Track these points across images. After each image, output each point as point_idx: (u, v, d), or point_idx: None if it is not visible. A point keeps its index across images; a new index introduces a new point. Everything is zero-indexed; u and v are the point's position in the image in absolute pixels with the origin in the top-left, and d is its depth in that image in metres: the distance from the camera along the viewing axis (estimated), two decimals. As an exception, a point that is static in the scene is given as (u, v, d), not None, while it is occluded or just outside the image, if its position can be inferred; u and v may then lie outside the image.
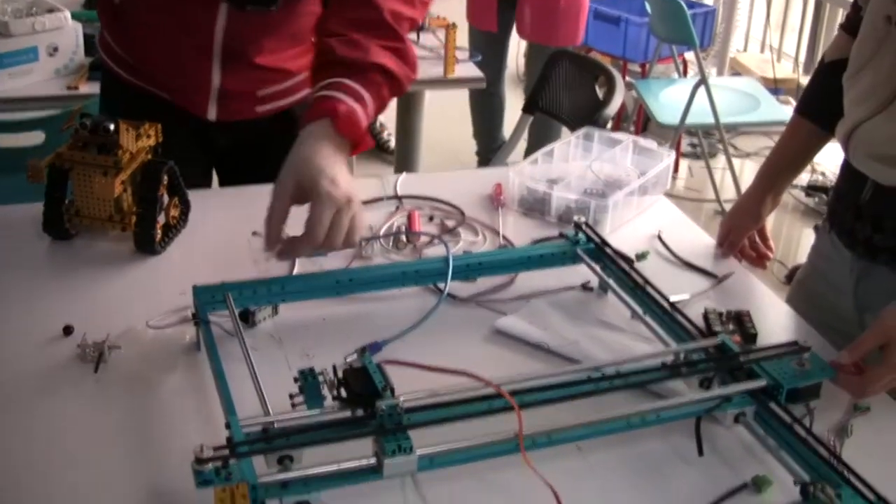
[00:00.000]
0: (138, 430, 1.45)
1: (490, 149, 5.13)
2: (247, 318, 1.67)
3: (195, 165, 2.23)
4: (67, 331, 1.63)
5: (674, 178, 5.46)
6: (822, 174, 5.42)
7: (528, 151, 4.41)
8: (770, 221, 2.14)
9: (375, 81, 1.79)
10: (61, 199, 1.87)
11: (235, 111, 2.20)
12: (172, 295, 1.72)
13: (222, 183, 2.42)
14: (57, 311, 1.68)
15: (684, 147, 5.72)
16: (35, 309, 1.69)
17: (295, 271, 1.83)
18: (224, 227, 1.95)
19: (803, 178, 5.44)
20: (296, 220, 1.66)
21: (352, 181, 1.68)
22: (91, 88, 3.12)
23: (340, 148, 1.71)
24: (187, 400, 1.52)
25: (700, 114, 4.69)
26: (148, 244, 1.86)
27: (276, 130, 2.18)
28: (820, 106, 1.99)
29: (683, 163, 5.67)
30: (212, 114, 2.17)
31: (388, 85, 1.81)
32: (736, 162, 5.26)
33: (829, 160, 5.33)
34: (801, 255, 4.35)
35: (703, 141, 5.28)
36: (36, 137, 2.86)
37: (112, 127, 1.81)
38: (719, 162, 5.61)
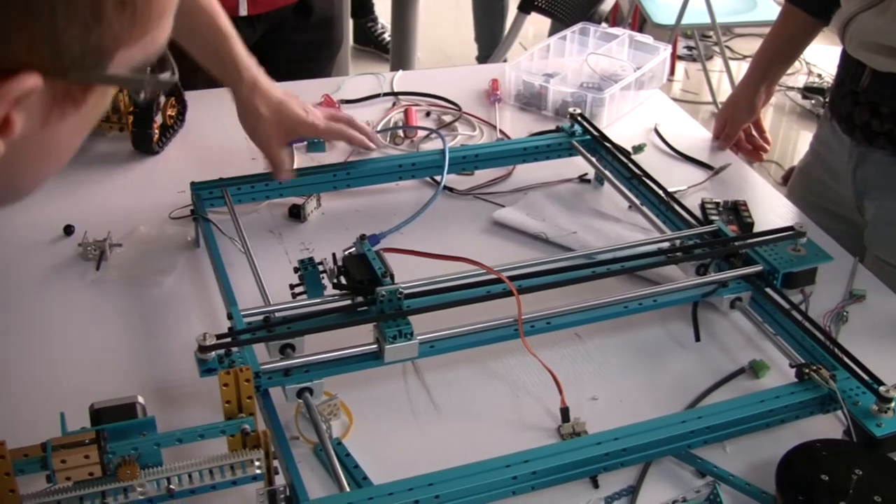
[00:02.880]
0: (141, 325, 1.46)
1: (492, 51, 5.09)
2: (298, 214, 1.71)
3: None
4: (68, 230, 1.64)
5: (670, 80, 5.42)
6: (819, 76, 5.39)
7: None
8: (767, 124, 2.15)
9: None
10: (58, 101, 1.86)
11: (265, 2, 2.20)
12: (171, 193, 1.73)
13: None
14: (57, 212, 1.68)
15: (680, 50, 5.67)
16: (35, 210, 1.69)
17: (294, 166, 1.83)
18: (221, 126, 1.94)
19: (800, 79, 5.42)
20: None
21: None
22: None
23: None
24: (189, 295, 1.53)
25: (696, 14, 4.64)
26: (146, 144, 1.86)
27: (296, 20, 2.26)
28: None
29: (680, 66, 5.63)
30: (243, 8, 2.17)
31: None
32: (732, 64, 5.21)
33: (825, 62, 5.30)
34: (798, 157, 4.34)
35: (699, 43, 5.24)
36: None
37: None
38: (716, 65, 5.57)
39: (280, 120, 1.66)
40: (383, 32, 5.28)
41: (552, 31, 3.91)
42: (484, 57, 5.18)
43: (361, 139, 1.75)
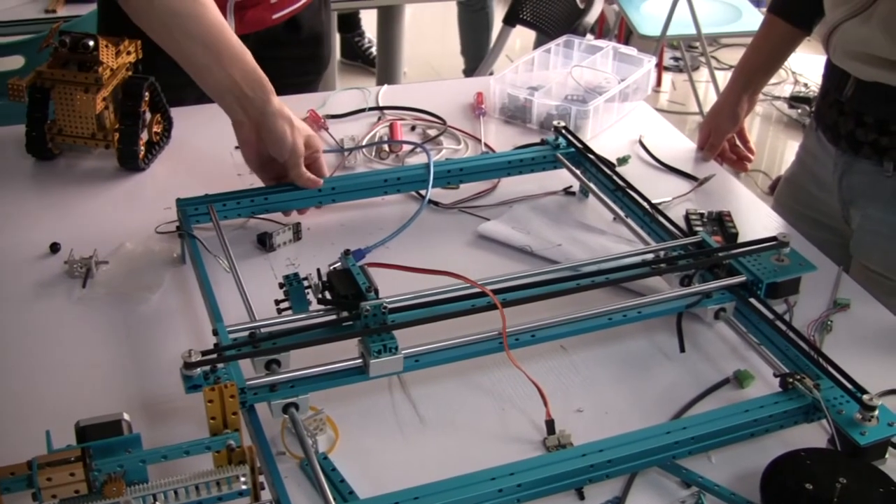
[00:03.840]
0: (127, 342, 1.46)
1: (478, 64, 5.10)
2: (265, 242, 1.68)
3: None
4: (54, 248, 1.64)
5: (657, 91, 5.45)
6: (805, 85, 5.41)
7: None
8: (754, 134, 2.16)
9: None
10: (43, 118, 1.86)
11: (252, 22, 2.20)
12: (157, 210, 1.73)
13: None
14: (43, 230, 1.68)
15: (667, 61, 5.70)
16: (21, 228, 1.70)
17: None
18: (207, 143, 1.95)
19: (787, 89, 5.44)
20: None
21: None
22: (69, 11, 3.09)
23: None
24: (175, 311, 1.53)
25: (682, 25, 4.66)
26: (132, 160, 1.86)
27: (285, 37, 2.26)
28: (792, 4, 2.00)
29: (667, 76, 5.66)
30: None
31: None
32: (719, 74, 5.23)
33: (811, 72, 5.33)
34: (785, 166, 4.37)
35: (685, 54, 5.26)
36: (15, 62, 2.83)
37: (91, 43, 1.80)
38: (702, 75, 5.59)
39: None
40: (370, 47, 5.29)
41: (537, 44, 3.93)
42: (471, 70, 5.19)
43: (306, 181, 1.70)
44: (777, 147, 5.10)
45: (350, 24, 5.31)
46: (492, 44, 5.08)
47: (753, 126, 5.11)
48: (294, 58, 2.33)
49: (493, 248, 1.71)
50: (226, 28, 1.66)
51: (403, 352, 1.28)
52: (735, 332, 1.50)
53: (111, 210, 1.77)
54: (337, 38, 4.71)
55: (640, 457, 1.22)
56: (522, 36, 4.72)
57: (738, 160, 2.12)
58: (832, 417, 1.25)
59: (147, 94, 1.86)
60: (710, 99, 5.31)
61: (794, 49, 2.06)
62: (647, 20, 4.78)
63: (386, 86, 2.28)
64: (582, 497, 1.22)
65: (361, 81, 5.09)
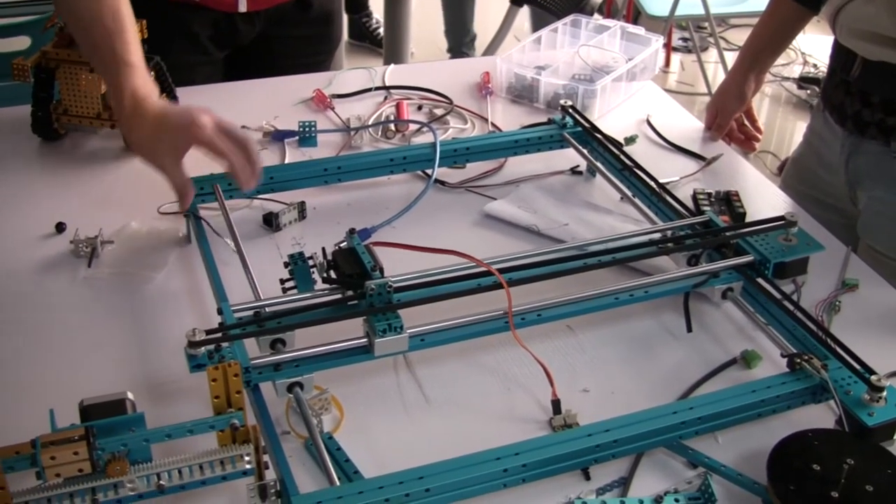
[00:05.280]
0: (132, 321, 1.46)
1: (462, 42, 5.08)
2: (270, 222, 1.67)
3: (210, 65, 2.23)
4: (60, 228, 1.64)
5: (665, 72, 5.42)
6: (815, 66, 5.39)
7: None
8: (762, 114, 2.15)
9: None
10: (48, 99, 1.86)
11: None
12: (162, 190, 1.72)
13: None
14: (49, 210, 1.68)
15: (676, 42, 5.67)
16: (27, 208, 1.70)
17: (286, 160, 1.84)
18: (212, 122, 1.94)
19: (795, 70, 5.42)
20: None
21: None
22: (74, -9, 3.08)
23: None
24: (180, 291, 1.53)
25: (690, 5, 4.64)
26: (136, 140, 1.85)
27: (295, 15, 2.25)
28: None
29: (675, 57, 5.63)
30: (242, 5, 2.15)
31: None
32: (727, 55, 5.21)
33: (820, 52, 5.30)
34: (794, 147, 4.35)
35: (693, 35, 5.24)
36: (21, 42, 2.83)
37: (96, 22, 1.80)
38: (711, 56, 5.57)
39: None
40: (378, 28, 5.28)
41: (534, 25, 3.89)
42: (455, 47, 5.16)
43: (239, 174, 1.49)
44: (786, 128, 5.08)
45: (358, 4, 5.30)
46: (472, 23, 5.06)
47: (762, 107, 5.09)
48: (303, 37, 2.32)
49: (500, 227, 1.71)
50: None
51: (408, 331, 1.28)
52: (742, 312, 1.49)
53: (116, 190, 1.77)
54: (345, 19, 4.70)
55: (646, 437, 1.21)
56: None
57: (745, 140, 2.11)
58: (840, 398, 1.25)
59: (152, 73, 1.85)
60: (718, 79, 5.29)
61: (802, 28, 2.05)
62: (656, 0, 4.76)
63: (392, 65, 2.27)
64: (588, 477, 1.22)
65: (369, 62, 5.07)
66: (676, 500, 1.18)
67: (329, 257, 1.36)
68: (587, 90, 2.04)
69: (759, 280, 1.46)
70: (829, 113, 1.92)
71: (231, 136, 1.48)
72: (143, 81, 1.56)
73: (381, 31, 5.18)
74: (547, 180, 1.85)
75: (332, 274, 1.35)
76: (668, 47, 5.42)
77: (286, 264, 1.39)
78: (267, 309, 1.32)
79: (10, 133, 1.91)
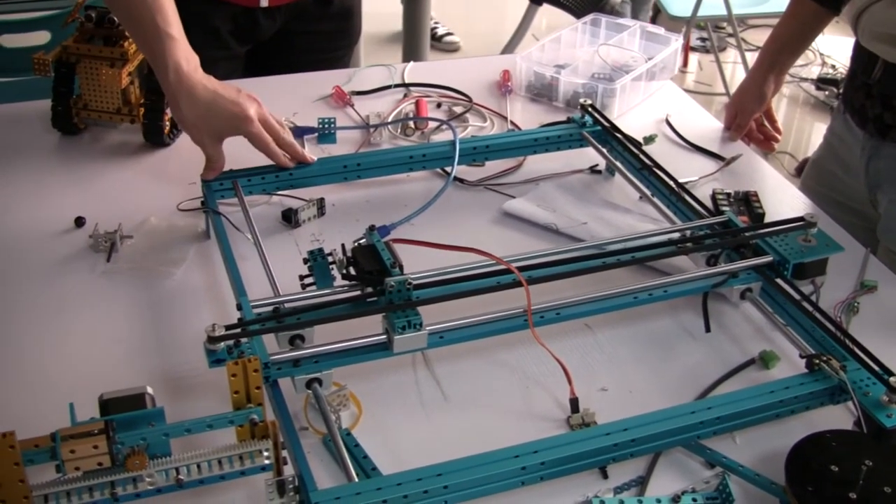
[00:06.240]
0: (151, 316, 1.47)
1: None
2: (289, 218, 1.68)
3: (231, 60, 2.24)
4: (79, 222, 1.65)
5: (683, 72, 5.41)
6: (833, 67, 5.38)
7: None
8: (781, 115, 2.15)
9: None
10: (69, 93, 1.86)
11: None
12: (182, 185, 1.73)
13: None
14: (68, 204, 1.69)
15: (694, 41, 5.66)
16: (47, 202, 1.70)
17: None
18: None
19: (814, 70, 5.40)
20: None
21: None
22: (96, -15, 3.09)
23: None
24: (199, 286, 1.53)
25: (711, 6, 4.63)
26: (157, 136, 1.86)
27: (315, 10, 2.25)
28: None
29: (693, 57, 5.63)
30: (264, 0, 2.16)
31: None
32: (747, 56, 5.21)
33: (839, 53, 5.29)
34: (812, 148, 4.33)
35: (712, 35, 5.23)
36: (42, 37, 2.84)
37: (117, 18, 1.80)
38: (729, 56, 5.56)
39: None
40: (436, 26, 5.26)
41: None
42: None
43: (283, 160, 1.66)
44: (804, 129, 5.07)
45: None
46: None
47: (780, 107, 5.08)
48: (324, 31, 2.32)
49: (519, 225, 1.71)
50: None
51: (428, 328, 1.28)
52: (761, 312, 1.49)
53: (136, 185, 1.77)
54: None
55: (664, 436, 1.21)
56: (550, 15, 4.70)
57: (764, 140, 2.10)
58: (858, 399, 1.24)
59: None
60: (736, 80, 5.28)
61: (822, 29, 2.04)
62: (677, 1, 4.76)
63: (412, 63, 2.27)
64: (605, 476, 1.22)
65: (385, 57, 5.07)
66: (694, 500, 1.18)
67: (348, 254, 1.36)
68: (606, 89, 2.04)
69: (778, 280, 1.46)
70: (850, 115, 1.92)
71: (273, 132, 1.63)
72: (187, 54, 1.61)
73: (438, 29, 5.16)
74: (566, 179, 1.85)
75: (352, 270, 1.35)
76: (686, 47, 5.41)
77: (305, 260, 1.40)
78: (286, 305, 1.32)
79: (30, 127, 1.92)
